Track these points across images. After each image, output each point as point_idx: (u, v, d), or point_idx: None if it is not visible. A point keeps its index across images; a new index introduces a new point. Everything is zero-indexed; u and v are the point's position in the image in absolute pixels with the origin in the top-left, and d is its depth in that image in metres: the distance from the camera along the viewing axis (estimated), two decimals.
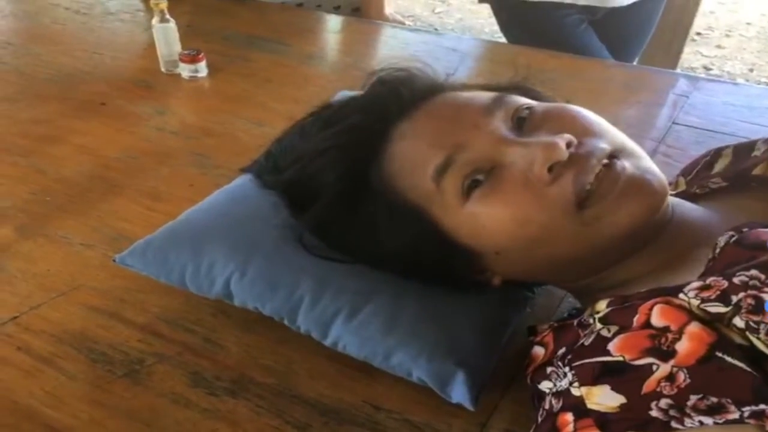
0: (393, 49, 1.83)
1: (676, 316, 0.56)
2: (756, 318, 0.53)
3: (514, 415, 0.75)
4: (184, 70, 1.60)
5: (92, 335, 0.85)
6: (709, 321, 0.55)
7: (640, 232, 0.68)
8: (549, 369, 0.68)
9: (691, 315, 0.56)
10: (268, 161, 0.93)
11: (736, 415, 0.48)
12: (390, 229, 0.76)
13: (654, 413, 0.50)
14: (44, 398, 0.76)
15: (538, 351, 0.72)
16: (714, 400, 0.49)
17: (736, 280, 0.56)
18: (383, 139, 0.77)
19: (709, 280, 0.58)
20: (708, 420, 0.48)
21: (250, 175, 0.97)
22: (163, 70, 1.63)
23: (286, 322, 0.82)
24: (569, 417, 0.56)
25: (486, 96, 0.75)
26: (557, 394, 0.59)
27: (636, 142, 0.71)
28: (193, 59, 1.59)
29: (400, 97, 0.78)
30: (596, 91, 1.50)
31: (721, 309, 0.55)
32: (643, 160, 0.70)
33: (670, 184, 0.92)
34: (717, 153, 0.88)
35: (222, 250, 0.86)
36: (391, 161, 0.75)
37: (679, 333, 0.55)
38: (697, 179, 0.87)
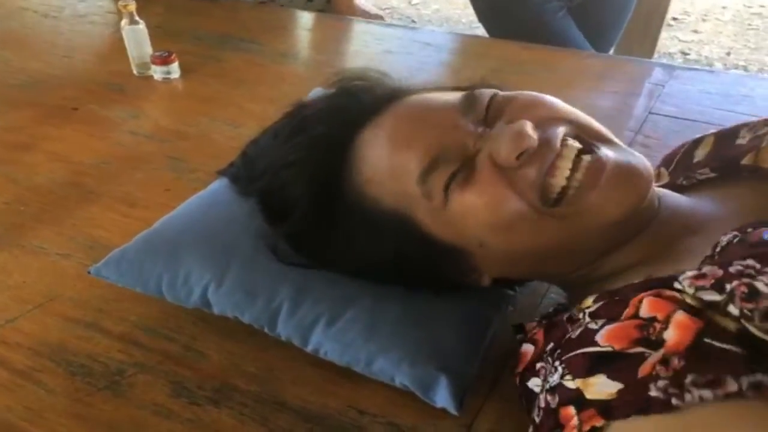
0: (367, 44, 1.82)
1: (663, 306, 0.57)
2: (750, 305, 0.53)
3: (500, 414, 0.75)
4: (157, 72, 1.59)
5: (71, 347, 0.84)
6: (698, 309, 0.55)
7: (629, 221, 0.67)
8: (538, 365, 0.68)
9: (678, 304, 0.56)
10: (241, 168, 0.92)
11: (734, 387, 0.48)
12: (370, 238, 0.76)
13: (653, 393, 0.51)
14: (23, 413, 0.75)
15: (527, 349, 0.72)
16: (710, 376, 0.49)
17: (731, 269, 0.56)
18: (349, 147, 0.76)
19: (705, 269, 0.58)
20: (708, 394, 0.49)
21: (226, 179, 0.97)
22: (135, 72, 1.61)
23: (266, 329, 0.82)
24: (571, 410, 0.56)
25: (456, 95, 0.74)
26: (551, 390, 0.59)
27: (613, 132, 0.71)
28: (164, 61, 1.58)
29: (361, 103, 0.78)
30: (571, 82, 1.50)
31: (716, 297, 0.55)
32: (620, 145, 0.70)
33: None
34: (696, 142, 0.88)
35: (198, 259, 0.85)
36: (362, 169, 0.75)
37: (666, 322, 0.55)
38: (680, 170, 0.87)
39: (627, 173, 0.66)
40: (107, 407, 0.76)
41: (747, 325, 0.52)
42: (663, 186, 0.84)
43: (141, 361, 0.82)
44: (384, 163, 0.73)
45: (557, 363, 0.61)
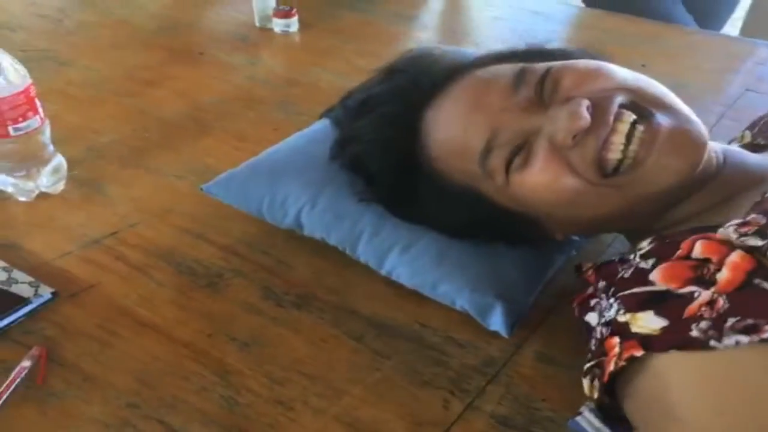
0: (477, 9, 1.88)
1: (717, 249, 0.60)
2: None
3: (548, 340, 0.82)
4: (277, 25, 1.71)
5: (180, 251, 0.96)
6: (752, 249, 0.58)
7: (686, 183, 0.70)
8: (593, 302, 0.74)
9: (732, 246, 0.60)
10: (337, 126, 0.98)
11: None
12: (445, 207, 0.83)
13: (694, 333, 0.55)
14: (137, 300, 0.87)
15: (583, 286, 0.78)
16: (750, 321, 0.53)
17: None
18: (415, 127, 0.83)
19: (749, 217, 0.62)
20: (744, 339, 0.52)
21: (327, 120, 1.06)
22: (257, 24, 1.73)
23: (348, 251, 0.91)
24: (615, 340, 0.61)
25: (508, 73, 0.76)
26: (606, 324, 0.64)
27: (705, 106, 0.72)
28: (285, 15, 1.69)
29: (420, 86, 0.84)
30: (672, 57, 1.52)
31: (758, 242, 0.58)
32: (678, 109, 0.71)
33: (734, 138, 0.95)
34: None
35: (296, 185, 0.95)
36: (431, 147, 0.81)
37: (720, 264, 0.59)
38: (762, 132, 0.89)
39: (681, 139, 0.68)
40: (207, 301, 0.87)
41: None
42: (743, 145, 0.86)
43: (238, 268, 0.93)
44: (447, 145, 0.79)
45: (612, 300, 0.65)
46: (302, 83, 1.45)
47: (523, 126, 0.73)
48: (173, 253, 0.95)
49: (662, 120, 0.68)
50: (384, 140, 0.84)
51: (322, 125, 1.06)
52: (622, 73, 0.73)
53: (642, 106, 0.70)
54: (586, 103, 0.68)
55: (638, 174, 0.69)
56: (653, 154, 0.67)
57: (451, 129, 0.79)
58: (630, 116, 0.69)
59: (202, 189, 1.01)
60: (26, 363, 0.75)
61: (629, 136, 0.68)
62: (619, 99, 0.70)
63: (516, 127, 0.73)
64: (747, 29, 2.38)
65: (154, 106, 1.35)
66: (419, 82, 0.84)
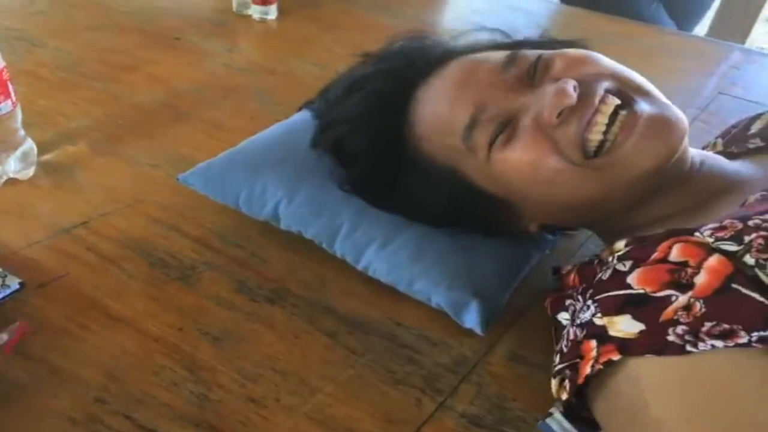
0: (456, 2, 1.87)
1: (695, 252, 0.60)
2: (765, 256, 0.57)
3: (520, 340, 0.82)
4: (255, 12, 1.68)
5: (152, 243, 0.94)
6: (730, 253, 0.59)
7: (664, 171, 0.71)
8: (567, 302, 0.74)
9: (710, 250, 0.60)
10: (317, 112, 0.97)
11: (744, 340, 0.52)
12: (425, 189, 0.83)
13: (671, 338, 0.55)
14: (107, 291, 0.86)
15: (558, 287, 0.79)
16: (726, 326, 0.54)
17: (750, 222, 0.60)
18: (406, 104, 0.83)
19: (726, 221, 0.62)
20: (719, 344, 0.53)
21: (307, 111, 1.04)
22: (235, 10, 1.71)
23: (324, 245, 0.90)
24: (592, 343, 0.61)
25: (500, 54, 0.78)
26: (581, 326, 0.64)
27: (679, 108, 0.72)
28: (264, 1, 1.67)
29: (415, 65, 0.84)
30: (648, 57, 1.52)
31: (734, 247, 0.59)
32: (659, 98, 0.72)
33: (707, 145, 0.96)
34: (755, 116, 0.91)
35: (275, 177, 0.94)
36: (417, 125, 0.81)
37: (698, 267, 0.59)
38: (735, 140, 0.90)
39: (660, 124, 0.69)
40: (178, 294, 0.86)
41: (759, 273, 0.56)
42: (716, 153, 0.87)
43: (211, 261, 0.92)
44: (433, 122, 0.80)
45: (590, 302, 0.65)
46: (280, 72, 1.44)
47: (510, 103, 0.74)
48: (145, 245, 0.94)
49: (644, 106, 0.70)
50: (371, 115, 0.84)
51: (301, 117, 1.05)
52: (609, 62, 0.75)
53: (626, 93, 0.71)
54: (573, 83, 0.70)
55: (618, 156, 0.69)
56: (633, 137, 0.68)
57: (438, 104, 0.79)
58: (614, 100, 0.70)
59: (178, 179, 0.99)
60: (3, 336, 0.74)
61: (612, 119, 0.70)
62: (606, 84, 0.72)
63: (502, 104, 0.74)
64: (714, 30, 2.41)
65: (128, 92, 1.33)
66: (414, 62, 0.85)
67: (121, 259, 0.91)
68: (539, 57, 0.76)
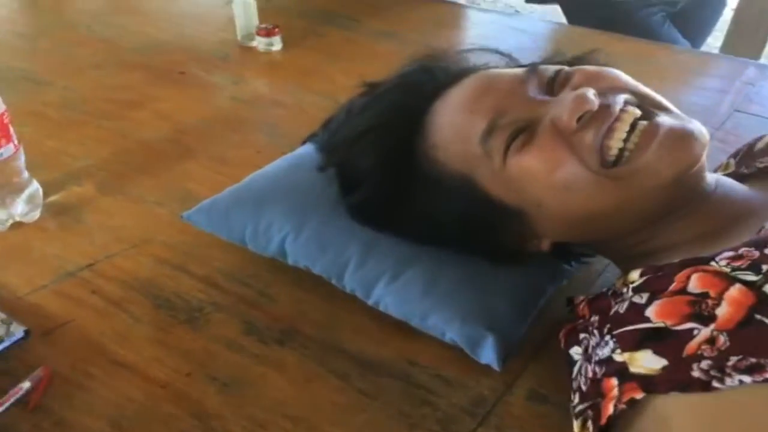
0: (462, 28, 1.86)
1: (715, 282, 0.59)
2: None
3: (540, 377, 0.79)
4: (260, 43, 1.67)
5: (158, 284, 0.93)
6: (752, 283, 0.57)
7: (682, 183, 0.69)
8: (581, 335, 0.71)
9: (730, 279, 0.58)
10: (321, 142, 0.96)
11: None
12: (437, 200, 0.80)
13: (695, 374, 0.53)
14: (113, 337, 0.84)
15: (573, 319, 0.76)
16: (753, 360, 0.51)
17: (767, 251, 0.59)
18: (421, 116, 0.81)
19: (741, 250, 0.60)
20: (747, 379, 0.51)
21: (312, 144, 1.03)
22: (239, 42, 1.70)
23: (333, 281, 0.88)
24: (614, 381, 0.59)
25: (520, 69, 0.78)
26: (600, 362, 0.62)
27: None
28: (268, 33, 1.66)
29: (435, 78, 0.83)
30: (661, 76, 1.50)
31: (752, 277, 0.57)
32: (678, 113, 0.71)
33: (719, 166, 0.94)
34: (764, 135, 0.89)
35: (280, 213, 0.92)
36: (432, 134, 0.79)
37: (719, 298, 0.57)
38: (745, 159, 0.88)
39: (680, 135, 0.68)
40: (186, 337, 0.84)
41: None
42: (727, 175, 0.85)
43: (218, 301, 0.90)
44: (450, 128, 0.78)
45: (608, 337, 0.63)
46: (286, 104, 1.43)
47: (530, 111, 0.73)
48: (151, 286, 0.92)
49: (665, 118, 0.69)
50: (384, 129, 0.82)
51: (306, 150, 1.04)
52: (629, 78, 0.75)
53: (646, 107, 0.71)
54: (593, 90, 0.69)
55: (637, 165, 0.68)
56: (654, 145, 0.67)
57: (456, 112, 0.78)
58: (635, 110, 0.70)
59: (182, 217, 0.97)
60: (26, 384, 0.73)
61: (632, 128, 0.69)
62: (626, 96, 0.72)
63: (522, 111, 0.73)
64: (728, 44, 2.38)
65: (134, 129, 1.32)
66: (435, 75, 0.84)
67: (127, 302, 0.89)
68: (559, 70, 0.75)
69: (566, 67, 0.76)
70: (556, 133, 0.70)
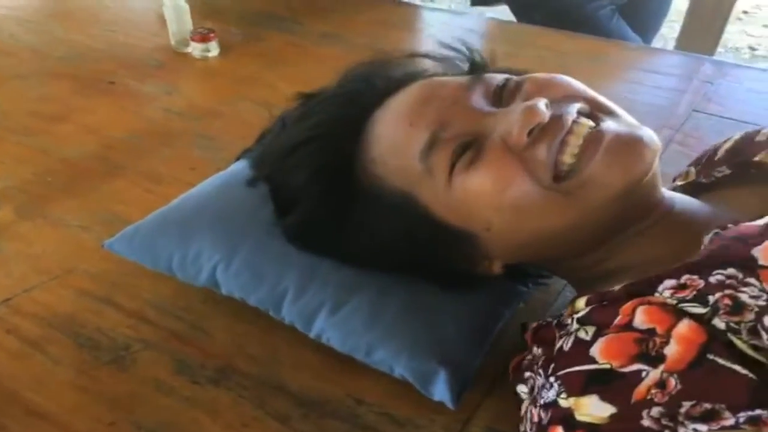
0: (410, 28, 1.81)
1: (662, 317, 0.55)
2: (736, 318, 0.51)
3: (498, 412, 0.74)
4: (195, 49, 1.60)
5: (81, 320, 0.85)
6: (701, 317, 0.53)
7: (634, 193, 0.65)
8: (527, 374, 0.66)
9: (677, 313, 0.54)
10: (255, 156, 0.90)
11: (731, 422, 0.46)
12: (377, 221, 0.74)
13: (646, 422, 0.49)
14: (28, 382, 0.76)
15: (524, 348, 0.71)
16: (707, 406, 0.48)
17: (712, 279, 0.55)
18: (360, 128, 0.75)
19: (684, 278, 0.56)
20: (702, 428, 0.47)
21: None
22: (174, 48, 1.62)
23: (271, 313, 0.82)
24: (560, 430, 0.54)
25: (464, 77, 0.73)
26: (545, 407, 0.58)
27: (652, 129, 0.67)
28: (204, 38, 1.59)
29: (374, 87, 0.77)
30: (614, 75, 1.47)
31: (700, 310, 0.53)
32: (627, 118, 0.67)
33: (679, 175, 0.90)
34: (725, 141, 0.85)
35: (210, 239, 0.85)
36: (371, 147, 0.73)
37: (667, 336, 0.53)
38: (705, 168, 0.84)
39: (628, 141, 0.64)
40: (110, 381, 0.77)
41: (734, 339, 0.51)
42: (687, 184, 0.82)
43: (147, 338, 0.82)
44: (389, 141, 0.72)
45: (552, 379, 0.59)
46: (223, 114, 1.35)
47: (475, 123, 0.67)
48: (73, 323, 0.85)
49: (611, 124, 0.65)
50: (320, 138, 0.76)
51: (240, 167, 0.97)
52: (580, 85, 0.71)
53: (596, 115, 0.67)
54: (544, 101, 0.65)
55: (585, 175, 0.63)
56: (599, 154, 0.63)
57: (396, 123, 0.72)
58: (588, 122, 0.65)
59: (104, 246, 0.90)
60: None
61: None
62: (578, 105, 0.67)
63: (466, 123, 0.68)
64: (685, 34, 2.37)
65: (59, 145, 1.23)
66: (374, 84, 0.78)
67: (45, 342, 0.82)
68: (507, 79, 0.71)
69: (514, 76, 0.71)
70: (506, 149, 0.65)
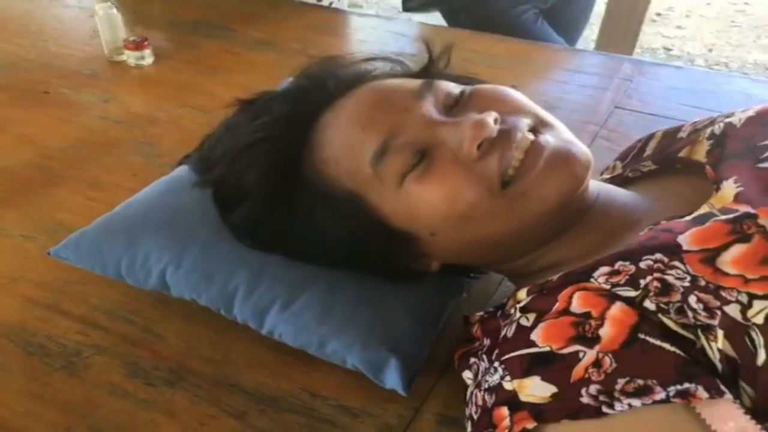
0: (341, 34, 1.83)
1: (596, 301, 0.58)
2: (665, 299, 0.55)
3: (448, 399, 0.76)
4: (130, 58, 1.59)
5: (30, 328, 0.85)
6: (632, 300, 0.56)
7: (568, 205, 0.69)
8: (471, 360, 0.69)
9: (610, 297, 0.58)
10: (198, 159, 0.91)
11: (662, 396, 0.49)
12: (325, 219, 0.76)
13: (585, 400, 0.52)
14: None
15: (468, 338, 0.74)
16: (640, 382, 0.51)
17: (642, 264, 0.58)
18: (310, 128, 0.77)
19: (617, 264, 0.60)
20: (636, 402, 0.50)
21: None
22: (107, 57, 1.61)
23: (222, 312, 0.83)
24: (504, 411, 0.57)
25: (415, 82, 0.75)
26: (490, 390, 0.60)
27: (578, 126, 0.71)
28: (138, 46, 1.58)
29: (325, 87, 0.79)
30: (541, 75, 1.51)
31: (632, 293, 0.57)
32: (564, 133, 0.71)
33: (606, 168, 0.94)
34: (650, 136, 0.90)
35: (157, 242, 0.86)
36: (322, 148, 0.75)
37: (601, 318, 0.56)
38: (631, 162, 0.88)
39: (564, 156, 0.68)
40: (63, 387, 0.77)
41: (663, 318, 0.54)
42: (613, 177, 0.86)
43: (98, 343, 0.83)
44: (340, 144, 0.74)
45: (496, 364, 0.61)
46: (162, 121, 1.35)
47: (426, 133, 0.70)
48: (22, 331, 0.84)
49: (549, 138, 0.69)
50: (269, 139, 0.77)
51: (183, 171, 0.98)
52: (525, 99, 0.74)
53: (536, 129, 0.70)
54: (494, 115, 0.68)
55: (525, 183, 0.67)
56: (539, 165, 0.66)
57: (347, 126, 0.73)
58: (530, 136, 0.68)
59: (49, 254, 0.89)
60: None
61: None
62: (526, 120, 0.70)
63: (417, 132, 0.70)
64: (603, 37, 2.46)
65: None
66: (324, 84, 0.79)
67: None
68: (461, 91, 0.73)
69: (466, 86, 0.74)
70: (457, 161, 0.68)
